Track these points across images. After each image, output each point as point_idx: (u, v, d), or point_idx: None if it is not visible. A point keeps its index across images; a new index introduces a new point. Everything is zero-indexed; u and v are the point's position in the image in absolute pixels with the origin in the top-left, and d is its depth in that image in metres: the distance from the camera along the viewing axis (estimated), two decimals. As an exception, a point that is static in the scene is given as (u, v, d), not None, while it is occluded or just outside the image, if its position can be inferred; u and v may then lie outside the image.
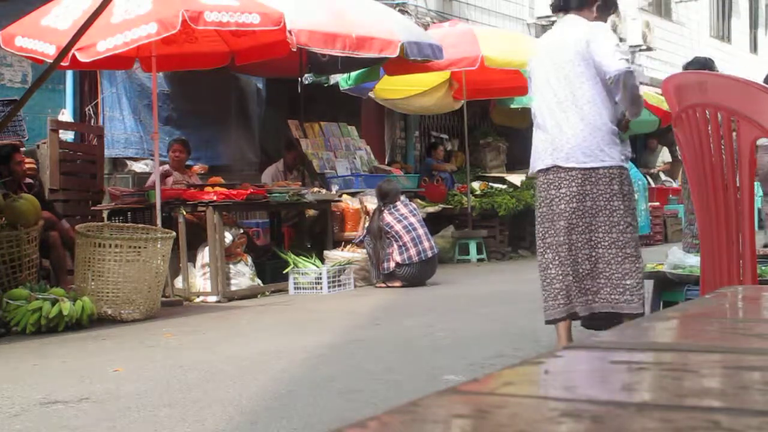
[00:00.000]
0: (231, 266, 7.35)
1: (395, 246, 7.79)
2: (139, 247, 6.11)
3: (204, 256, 7.26)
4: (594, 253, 4.02)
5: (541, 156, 4.13)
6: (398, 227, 7.83)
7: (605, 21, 4.22)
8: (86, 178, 8.07)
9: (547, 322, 4.12)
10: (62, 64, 6.28)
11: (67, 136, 8.43)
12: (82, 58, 6.52)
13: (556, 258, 4.04)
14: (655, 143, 16.18)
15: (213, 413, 3.18)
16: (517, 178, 11.98)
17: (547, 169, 4.09)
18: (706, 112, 2.90)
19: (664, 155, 16.14)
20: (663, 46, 17.43)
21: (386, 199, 8.02)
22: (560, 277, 4.03)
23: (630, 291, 4.00)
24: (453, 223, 10.84)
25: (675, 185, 15.03)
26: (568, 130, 4.01)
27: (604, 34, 3.99)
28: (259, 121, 10.76)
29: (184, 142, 8.52)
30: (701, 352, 0.86)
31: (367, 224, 8.32)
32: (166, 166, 8.17)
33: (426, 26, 11.17)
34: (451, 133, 13.61)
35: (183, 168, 8.43)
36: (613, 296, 4.01)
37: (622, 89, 3.93)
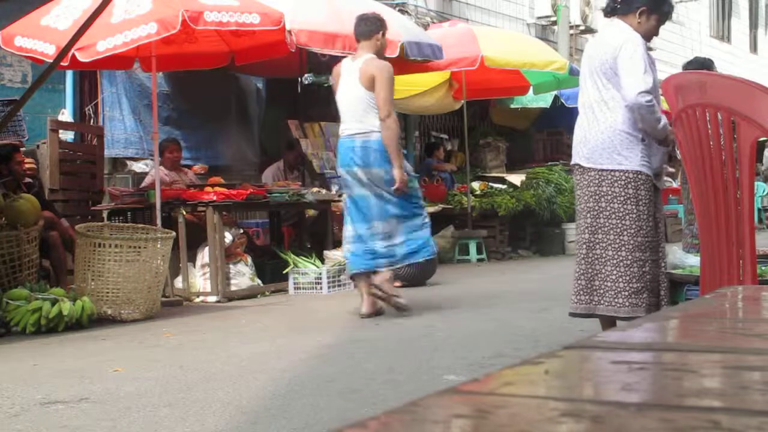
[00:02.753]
0: (231, 266, 7.34)
1: (395, 246, 7.78)
2: (139, 247, 6.11)
3: (204, 256, 7.26)
4: (604, 254, 4.11)
5: (574, 152, 4.30)
6: (398, 227, 7.81)
7: (653, 28, 4.18)
8: (86, 178, 8.06)
9: (570, 314, 4.28)
10: (62, 64, 6.28)
11: (67, 136, 8.43)
12: (82, 58, 6.52)
13: (580, 255, 4.20)
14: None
15: (213, 413, 3.18)
16: (517, 178, 11.96)
17: (574, 166, 4.28)
18: (706, 112, 2.90)
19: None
20: (663, 46, 17.42)
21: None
22: (582, 274, 4.17)
23: (635, 295, 4.04)
24: (453, 223, 10.83)
25: (675, 185, 15.01)
26: (592, 130, 4.13)
27: (632, 53, 3.97)
28: (259, 121, 10.74)
29: (176, 141, 8.50)
30: (701, 352, 0.86)
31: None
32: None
33: (426, 26, 11.16)
34: (451, 133, 13.60)
35: (179, 167, 8.41)
36: (617, 299, 4.07)
37: (639, 119, 4.00)
